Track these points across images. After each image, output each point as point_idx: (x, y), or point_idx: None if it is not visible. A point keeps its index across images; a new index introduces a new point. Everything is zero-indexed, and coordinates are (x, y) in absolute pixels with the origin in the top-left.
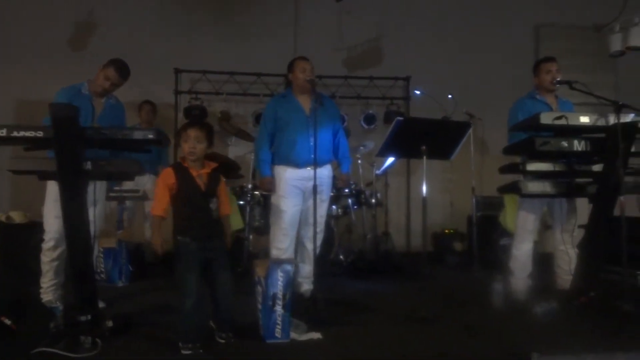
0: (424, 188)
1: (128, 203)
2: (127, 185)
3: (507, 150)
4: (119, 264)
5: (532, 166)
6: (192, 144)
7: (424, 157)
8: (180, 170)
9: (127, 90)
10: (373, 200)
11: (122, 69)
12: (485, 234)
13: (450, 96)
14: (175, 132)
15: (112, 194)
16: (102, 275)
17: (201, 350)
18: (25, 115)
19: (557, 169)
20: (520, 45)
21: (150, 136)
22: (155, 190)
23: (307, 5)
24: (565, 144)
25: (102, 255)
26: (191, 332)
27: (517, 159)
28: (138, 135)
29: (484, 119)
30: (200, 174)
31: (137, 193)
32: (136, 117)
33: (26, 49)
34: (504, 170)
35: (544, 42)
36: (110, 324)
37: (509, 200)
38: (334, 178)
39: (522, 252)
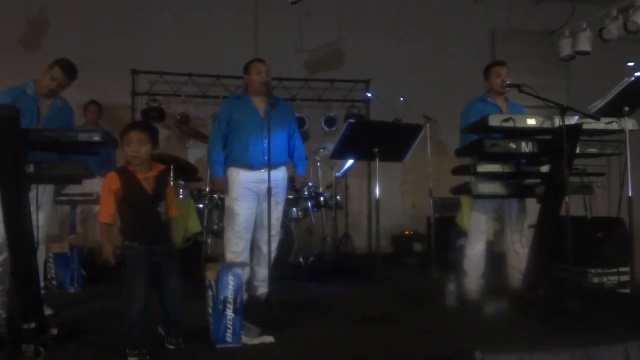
0: (377, 190)
1: (80, 207)
2: (79, 188)
3: (459, 152)
4: (71, 270)
5: (483, 167)
6: (135, 147)
7: (377, 160)
8: (125, 174)
9: (82, 91)
10: (333, 203)
11: (68, 69)
12: (444, 235)
13: (402, 99)
14: None
15: (62, 198)
16: (54, 282)
17: (148, 357)
18: None
19: (506, 170)
20: (477, 49)
21: (96, 138)
22: (101, 195)
23: (266, 7)
24: (513, 145)
25: (52, 261)
26: (138, 338)
27: (470, 161)
28: (83, 137)
29: (441, 121)
30: (146, 177)
31: (91, 197)
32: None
33: None
34: (456, 171)
35: (499, 46)
36: (55, 331)
37: (465, 201)
38: (291, 180)
39: (475, 252)
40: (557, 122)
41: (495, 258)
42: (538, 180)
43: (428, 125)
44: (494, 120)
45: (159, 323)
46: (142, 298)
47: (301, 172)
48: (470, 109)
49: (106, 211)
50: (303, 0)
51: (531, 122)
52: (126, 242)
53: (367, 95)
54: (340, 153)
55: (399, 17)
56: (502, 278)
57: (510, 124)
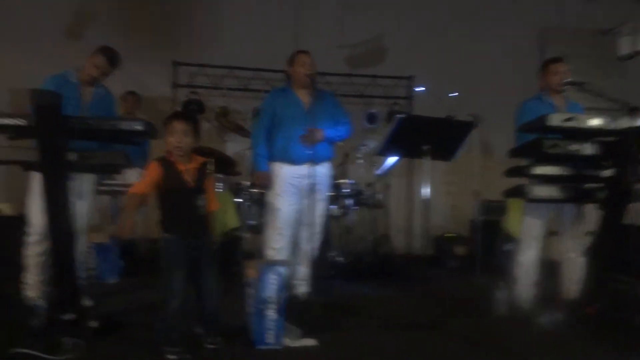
0: (427, 190)
1: (120, 198)
2: (119, 179)
3: (514, 153)
4: (110, 260)
5: (539, 169)
6: (179, 137)
7: (426, 158)
8: (166, 164)
9: (123, 83)
10: (373, 201)
11: (111, 57)
12: (488, 239)
13: (454, 94)
14: None
15: (103, 188)
16: (93, 272)
17: (188, 356)
18: (21, 105)
19: (565, 173)
20: (524, 47)
21: (138, 127)
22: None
23: (309, 0)
24: (574, 147)
25: (93, 251)
26: (176, 335)
27: (524, 162)
28: (125, 125)
29: (487, 121)
30: (187, 168)
31: (130, 187)
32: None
33: (22, 36)
34: (510, 173)
35: (549, 45)
36: (95, 324)
37: (513, 204)
38: (333, 177)
39: (526, 259)
40: (624, 123)
41: (546, 266)
42: (599, 185)
43: (476, 124)
44: (555, 120)
45: (195, 321)
46: (180, 294)
47: (328, 132)
48: (525, 108)
49: (139, 185)
50: None
51: (595, 122)
52: (166, 235)
53: (414, 91)
54: (387, 149)
55: (443, 14)
56: (555, 287)
57: (572, 123)
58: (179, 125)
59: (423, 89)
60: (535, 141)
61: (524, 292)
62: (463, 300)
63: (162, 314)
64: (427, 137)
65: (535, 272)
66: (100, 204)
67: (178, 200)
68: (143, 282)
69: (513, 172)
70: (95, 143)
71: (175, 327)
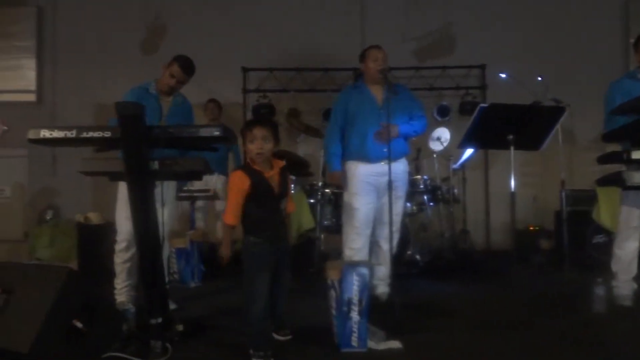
0: (512, 181)
1: (199, 203)
2: (198, 185)
3: (608, 137)
4: (191, 265)
5: (638, 154)
6: (260, 144)
7: (511, 148)
8: (253, 173)
9: (195, 91)
10: (450, 196)
11: (186, 65)
12: (575, 231)
13: (539, 78)
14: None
15: (182, 194)
16: (175, 276)
17: (272, 358)
18: (103, 119)
19: None
20: (607, 24)
21: (217, 133)
22: (228, 195)
23: None
24: None
25: (174, 256)
26: (262, 338)
27: (618, 147)
28: (204, 132)
29: (570, 106)
30: (271, 175)
31: (208, 192)
32: (204, 118)
33: (102, 52)
34: (604, 159)
35: (633, 20)
36: (180, 327)
37: (603, 193)
38: (409, 174)
39: (626, 252)
40: None
41: None
42: None
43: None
44: None
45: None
46: (265, 295)
47: (402, 128)
48: (617, 88)
49: (232, 212)
50: None
51: None
52: (251, 238)
53: (500, 77)
54: (469, 141)
55: None
56: None
57: None
58: (258, 132)
59: (505, 76)
60: (633, 123)
61: (623, 288)
62: (553, 296)
63: (248, 317)
64: (512, 126)
65: (635, 266)
66: (181, 210)
67: (265, 206)
68: (223, 286)
69: (608, 158)
70: (176, 151)
71: (262, 329)
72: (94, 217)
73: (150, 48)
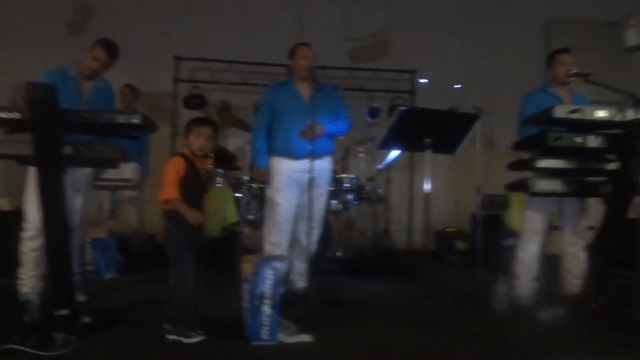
0: (428, 184)
1: (122, 193)
2: (118, 174)
3: (518, 146)
4: (108, 256)
5: (543, 163)
6: (204, 141)
7: (428, 151)
8: (189, 163)
9: (125, 77)
10: (374, 196)
11: (110, 49)
12: (490, 234)
13: (458, 86)
14: (174, 121)
15: (102, 183)
16: (90, 268)
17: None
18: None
19: (569, 166)
20: (530, 39)
21: (135, 120)
22: (167, 175)
23: None
24: (579, 139)
25: (89, 246)
26: (193, 319)
27: (528, 155)
28: (122, 119)
29: (490, 115)
30: (202, 167)
31: (129, 182)
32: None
33: (24, 31)
34: (513, 166)
35: (554, 37)
36: (88, 319)
37: (516, 199)
38: (334, 172)
39: (528, 254)
40: (630, 115)
41: (547, 260)
42: (603, 179)
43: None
44: (560, 112)
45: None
46: (192, 279)
47: (328, 128)
48: (529, 99)
49: (174, 188)
50: None
51: (601, 114)
52: (180, 225)
53: (419, 83)
54: (388, 143)
55: (446, 6)
56: (556, 283)
57: (577, 115)
58: (207, 131)
59: (426, 81)
60: (540, 134)
61: (525, 288)
62: (464, 295)
63: (179, 301)
64: (429, 130)
65: (536, 267)
66: (99, 199)
67: (192, 196)
68: (141, 278)
69: (516, 165)
70: (93, 137)
71: (192, 312)
72: (3, 203)
73: (77, 29)
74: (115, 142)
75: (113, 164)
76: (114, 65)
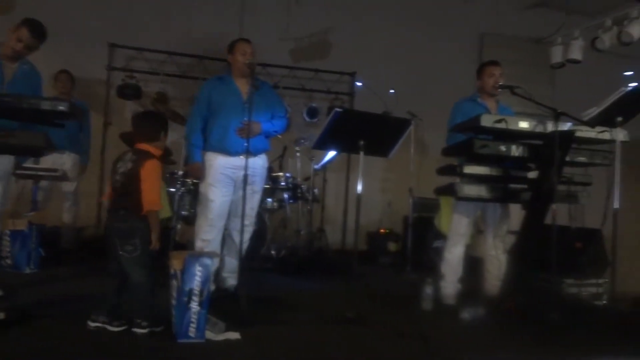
0: (359, 185)
1: (44, 183)
2: (45, 163)
3: (446, 151)
4: (28, 249)
5: (469, 169)
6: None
7: (361, 153)
8: None
9: (55, 62)
10: (310, 196)
11: (36, 29)
12: (421, 236)
13: (391, 91)
14: (106, 110)
15: (23, 172)
16: (8, 261)
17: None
18: None
19: (493, 173)
20: (464, 51)
21: (61, 108)
22: (155, 183)
23: None
24: (503, 148)
25: (8, 238)
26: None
27: (456, 161)
28: (46, 105)
29: (424, 120)
30: None
31: (55, 172)
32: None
33: None
34: (442, 171)
35: (487, 50)
36: (2, 315)
37: (445, 202)
38: (269, 168)
39: (453, 256)
40: (550, 127)
41: (473, 263)
42: (524, 186)
43: (413, 122)
44: (487, 121)
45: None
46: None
47: (265, 126)
48: (458, 108)
49: (160, 199)
50: None
51: (524, 125)
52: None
53: (355, 86)
54: (323, 143)
55: (388, 12)
56: (479, 284)
57: (502, 125)
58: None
59: (361, 84)
60: (467, 141)
61: (449, 288)
62: (393, 295)
63: (143, 291)
64: (364, 132)
65: (460, 269)
66: (19, 189)
67: None
68: (62, 273)
69: (445, 170)
70: (17, 123)
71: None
72: None
73: (3, 7)
74: (42, 130)
75: (36, 152)
76: (40, 49)
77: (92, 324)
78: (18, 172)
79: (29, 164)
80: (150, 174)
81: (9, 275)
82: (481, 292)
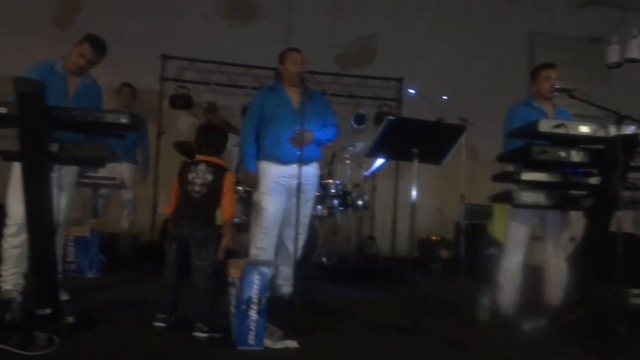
0: (414, 192)
1: (103, 191)
2: (103, 172)
3: (502, 158)
4: (90, 254)
5: (527, 175)
6: None
7: (415, 161)
8: None
9: (111, 74)
10: (360, 203)
11: (98, 45)
12: (472, 243)
13: (444, 97)
14: (159, 120)
15: (85, 180)
16: (72, 266)
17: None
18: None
19: (552, 179)
20: (514, 52)
21: (124, 120)
22: (231, 194)
23: None
24: (563, 153)
25: (72, 245)
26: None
27: (512, 168)
28: (110, 118)
29: (475, 126)
30: None
31: (114, 181)
32: (115, 102)
33: (11, 24)
34: (497, 178)
35: (538, 51)
36: (71, 319)
37: (499, 209)
38: (321, 177)
39: (511, 265)
40: (613, 131)
41: (529, 271)
42: (585, 192)
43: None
44: (545, 126)
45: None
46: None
47: (317, 135)
48: (514, 113)
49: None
50: None
51: (584, 129)
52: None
53: (408, 92)
54: (376, 151)
55: (434, 16)
56: (538, 293)
57: (561, 130)
58: None
59: (414, 91)
60: (525, 147)
61: (507, 298)
62: (447, 303)
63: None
64: (417, 140)
65: (519, 278)
66: (82, 197)
67: None
68: (123, 278)
69: (500, 177)
70: (81, 135)
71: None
72: None
73: (64, 23)
74: (103, 141)
75: (100, 163)
76: (100, 62)
77: (196, 334)
78: (81, 180)
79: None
80: (231, 186)
81: (73, 280)
82: (541, 303)
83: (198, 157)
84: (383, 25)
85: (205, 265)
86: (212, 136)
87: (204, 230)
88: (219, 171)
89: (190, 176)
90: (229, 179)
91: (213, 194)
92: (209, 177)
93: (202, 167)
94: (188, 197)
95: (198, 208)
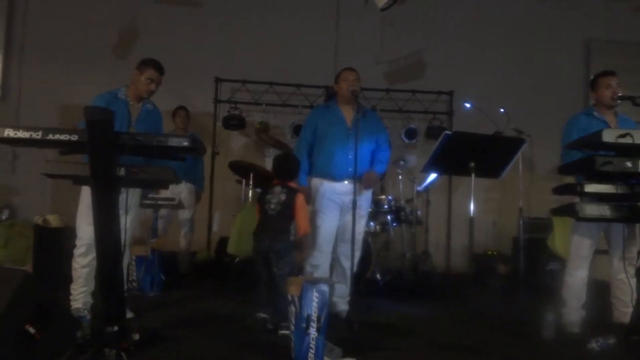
0: (472, 206)
1: (163, 211)
2: (163, 193)
3: (564, 170)
4: (151, 273)
5: (591, 187)
6: None
7: (472, 175)
8: None
9: (168, 98)
10: (413, 218)
11: (160, 67)
12: (531, 258)
13: (502, 110)
14: (214, 141)
15: (146, 201)
16: (134, 284)
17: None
18: (68, 121)
19: (618, 191)
20: (570, 60)
21: (185, 143)
22: (304, 212)
23: (348, 17)
24: (629, 164)
25: (134, 264)
26: None
27: (569, 179)
28: (173, 142)
29: (530, 137)
30: None
31: (173, 201)
32: (172, 125)
33: (71, 53)
34: (560, 190)
35: (594, 58)
36: (137, 336)
37: (559, 222)
38: (373, 193)
39: (576, 280)
40: None
41: (597, 287)
42: None
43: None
44: (609, 136)
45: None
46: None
47: (378, 169)
48: (574, 123)
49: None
50: (385, 10)
51: None
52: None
53: (464, 106)
54: (432, 166)
55: (484, 27)
56: (605, 310)
57: (627, 140)
58: None
59: (470, 105)
60: (588, 158)
61: (572, 315)
62: (507, 321)
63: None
64: (474, 154)
65: (584, 294)
66: (143, 217)
67: None
68: (182, 296)
69: (563, 189)
70: (142, 158)
71: None
72: (53, 220)
73: (122, 53)
74: (162, 163)
75: (163, 185)
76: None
77: (281, 332)
78: (143, 202)
79: None
80: (303, 205)
81: (136, 298)
82: (609, 320)
83: (274, 182)
84: (431, 39)
85: (283, 274)
86: (286, 164)
87: (281, 242)
88: (291, 192)
89: (268, 197)
90: (300, 199)
91: (286, 211)
92: (283, 197)
93: (277, 189)
94: (266, 214)
95: (274, 223)
